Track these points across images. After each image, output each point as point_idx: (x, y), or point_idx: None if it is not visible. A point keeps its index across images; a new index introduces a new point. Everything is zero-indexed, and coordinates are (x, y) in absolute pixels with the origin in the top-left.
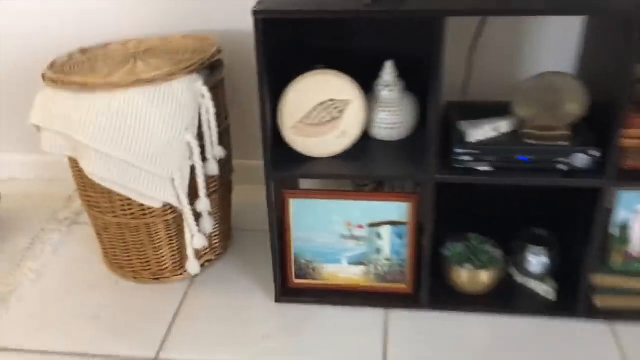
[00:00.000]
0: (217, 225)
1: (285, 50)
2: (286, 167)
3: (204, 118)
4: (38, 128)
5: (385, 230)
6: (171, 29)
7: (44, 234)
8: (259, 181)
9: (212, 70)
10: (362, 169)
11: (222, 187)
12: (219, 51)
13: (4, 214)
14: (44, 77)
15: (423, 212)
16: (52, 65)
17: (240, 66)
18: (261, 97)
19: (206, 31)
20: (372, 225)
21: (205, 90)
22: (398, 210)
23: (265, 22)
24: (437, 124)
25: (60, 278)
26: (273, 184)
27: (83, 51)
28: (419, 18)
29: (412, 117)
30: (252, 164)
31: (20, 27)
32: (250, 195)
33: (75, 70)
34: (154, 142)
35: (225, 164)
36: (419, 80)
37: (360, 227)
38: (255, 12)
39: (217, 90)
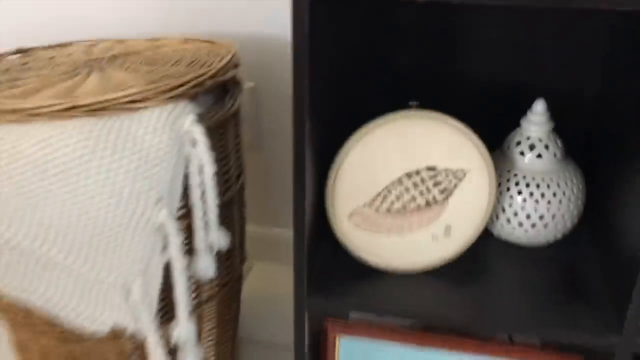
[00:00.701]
0: (212, 354)
1: (349, 72)
2: (334, 287)
3: (193, 181)
4: None
5: None
6: (182, 28)
7: None
8: (284, 260)
9: (218, 96)
10: (476, 308)
11: (222, 291)
12: (234, 65)
13: None
14: None
15: None
16: None
17: (271, 90)
18: (296, 157)
19: (229, 35)
20: None
21: (198, 132)
22: None
23: (316, 10)
24: None
25: None
26: (307, 313)
27: (22, 53)
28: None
29: (577, 207)
30: (275, 232)
31: None
32: (269, 281)
33: None
34: (95, 223)
35: (229, 255)
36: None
37: None
38: None
39: (224, 131)
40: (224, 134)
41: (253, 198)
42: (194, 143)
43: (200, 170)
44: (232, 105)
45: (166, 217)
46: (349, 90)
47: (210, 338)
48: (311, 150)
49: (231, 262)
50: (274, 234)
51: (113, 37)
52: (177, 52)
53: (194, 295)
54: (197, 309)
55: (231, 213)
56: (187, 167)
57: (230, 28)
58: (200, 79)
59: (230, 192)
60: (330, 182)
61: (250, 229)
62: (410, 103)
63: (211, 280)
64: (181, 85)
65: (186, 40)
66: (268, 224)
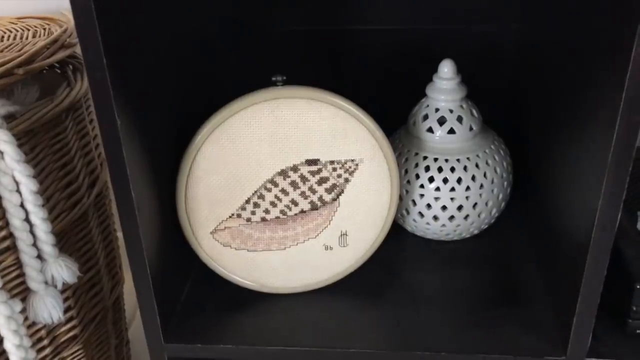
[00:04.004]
0: None
1: (193, 40)
2: (201, 326)
3: (8, 203)
4: None
5: None
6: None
7: None
8: None
9: (51, 86)
10: (386, 330)
11: (88, 328)
12: (62, 45)
13: None
14: None
15: None
16: None
17: None
18: (112, 167)
19: None
20: None
21: (2, 139)
22: None
23: None
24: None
25: None
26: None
27: None
28: None
29: (502, 190)
30: None
31: None
32: None
33: None
34: None
35: (93, 284)
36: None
37: None
38: None
39: (60, 131)
40: (60, 134)
41: None
42: (0, 154)
43: (11, 189)
44: (67, 95)
45: None
46: (196, 65)
47: None
48: (140, 154)
49: (97, 290)
50: None
51: None
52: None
53: (45, 342)
54: (54, 358)
55: (89, 231)
56: None
57: None
58: (4, 68)
59: (81, 206)
60: (180, 191)
61: None
62: (274, 78)
63: (69, 320)
64: None
65: (18, 19)
66: None
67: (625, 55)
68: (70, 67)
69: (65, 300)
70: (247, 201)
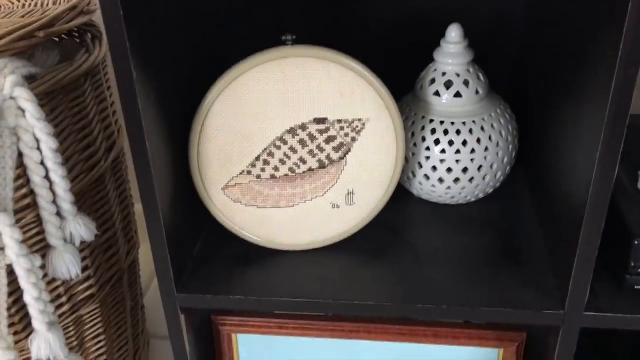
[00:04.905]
0: None
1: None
2: (212, 278)
3: (29, 160)
4: None
5: None
6: None
7: None
8: None
9: (69, 51)
10: (391, 286)
11: (105, 289)
12: (82, 11)
13: None
14: None
15: None
16: None
17: None
18: (128, 120)
19: None
20: None
21: (24, 98)
22: None
23: None
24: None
25: None
26: (180, 308)
27: None
28: None
29: (507, 154)
30: None
31: None
32: None
33: None
34: None
35: (109, 245)
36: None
37: None
38: None
39: (79, 94)
40: (79, 98)
41: None
42: (20, 111)
43: (33, 145)
44: (86, 60)
45: None
46: (208, 26)
47: (100, 344)
48: (154, 109)
49: (113, 252)
50: None
51: None
52: (19, 1)
53: (64, 299)
54: (71, 315)
55: (106, 193)
56: (18, 142)
57: None
58: (25, 30)
59: (99, 168)
60: (193, 148)
61: None
62: (284, 37)
63: (86, 279)
64: None
65: None
66: None
67: (622, 11)
68: (89, 35)
69: (83, 260)
70: (257, 158)
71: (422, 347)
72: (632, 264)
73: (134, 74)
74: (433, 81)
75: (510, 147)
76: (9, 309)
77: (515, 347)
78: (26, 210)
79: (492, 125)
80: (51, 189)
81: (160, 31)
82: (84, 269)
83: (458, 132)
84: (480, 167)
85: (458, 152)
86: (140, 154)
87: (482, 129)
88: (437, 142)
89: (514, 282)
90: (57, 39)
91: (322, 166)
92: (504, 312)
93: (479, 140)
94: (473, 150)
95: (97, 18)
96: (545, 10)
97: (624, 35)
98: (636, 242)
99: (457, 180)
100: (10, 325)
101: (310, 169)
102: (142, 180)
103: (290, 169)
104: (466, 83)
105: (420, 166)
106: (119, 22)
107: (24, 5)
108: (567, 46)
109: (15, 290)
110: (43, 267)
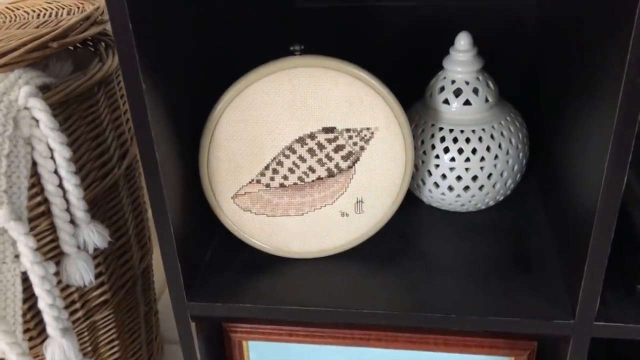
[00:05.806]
0: None
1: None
2: (223, 286)
3: (43, 169)
4: None
5: None
6: None
7: None
8: None
9: (82, 61)
10: (401, 294)
11: (118, 294)
12: (94, 22)
13: None
14: None
15: None
16: None
17: None
18: (138, 131)
19: None
20: None
21: (38, 108)
22: None
23: None
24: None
25: None
26: (190, 316)
27: None
28: None
29: (517, 161)
30: None
31: None
32: None
33: None
34: None
35: (123, 252)
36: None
37: None
38: None
39: (92, 103)
40: (92, 106)
41: None
42: (34, 121)
43: (46, 153)
44: (99, 70)
45: (5, 218)
46: (219, 38)
47: (114, 349)
48: (164, 119)
49: (127, 258)
50: None
51: None
52: (35, 12)
53: (77, 305)
54: (85, 321)
55: (119, 200)
56: (32, 152)
57: None
58: (40, 41)
59: (112, 176)
60: (202, 157)
61: None
62: (293, 47)
63: (100, 285)
64: (14, 49)
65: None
66: None
67: (628, 21)
68: (103, 44)
69: (96, 266)
70: (266, 167)
71: (432, 355)
72: None
73: (143, 86)
74: (442, 89)
75: (521, 154)
76: (24, 315)
77: (526, 355)
78: (40, 218)
79: (501, 133)
80: (65, 197)
81: (169, 43)
82: (97, 275)
83: (467, 140)
84: (490, 175)
85: (467, 160)
86: (150, 164)
87: (492, 136)
88: (446, 150)
89: (524, 291)
90: (71, 48)
91: (331, 175)
92: (513, 321)
93: (488, 148)
94: (483, 158)
95: (110, 27)
96: (554, 17)
97: (632, 41)
98: None
99: (466, 188)
100: (26, 331)
101: (319, 178)
102: (152, 190)
103: (300, 178)
104: (475, 91)
105: (430, 174)
106: (128, 35)
107: (38, 15)
108: (577, 53)
109: (30, 296)
110: (57, 274)
